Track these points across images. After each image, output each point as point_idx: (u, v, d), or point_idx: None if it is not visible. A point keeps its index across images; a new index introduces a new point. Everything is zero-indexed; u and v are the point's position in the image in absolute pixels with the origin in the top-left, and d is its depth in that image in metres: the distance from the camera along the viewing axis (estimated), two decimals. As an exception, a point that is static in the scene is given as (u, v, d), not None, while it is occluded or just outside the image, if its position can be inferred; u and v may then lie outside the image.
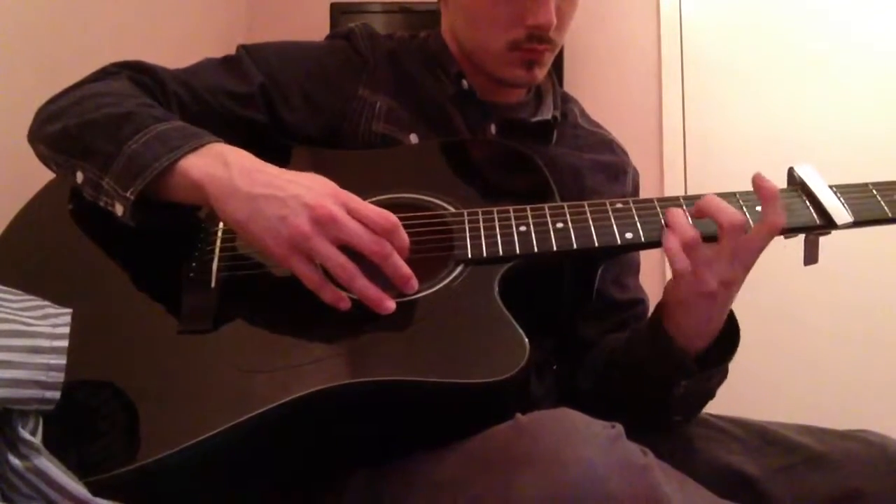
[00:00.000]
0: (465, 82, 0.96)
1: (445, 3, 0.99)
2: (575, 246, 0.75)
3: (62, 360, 0.57)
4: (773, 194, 0.73)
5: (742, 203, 0.77)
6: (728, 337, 0.80)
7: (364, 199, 0.71)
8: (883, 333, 2.25)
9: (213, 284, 0.74)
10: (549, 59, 0.94)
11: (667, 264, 2.50)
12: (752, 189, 0.76)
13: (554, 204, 0.79)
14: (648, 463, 0.54)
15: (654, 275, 2.32)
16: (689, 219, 0.75)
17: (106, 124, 0.76)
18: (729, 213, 0.73)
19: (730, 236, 0.73)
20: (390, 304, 0.69)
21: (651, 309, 1.02)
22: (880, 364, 2.24)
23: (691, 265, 0.73)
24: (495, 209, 0.78)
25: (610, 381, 0.89)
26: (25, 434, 0.54)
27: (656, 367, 0.81)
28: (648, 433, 0.84)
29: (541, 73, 0.94)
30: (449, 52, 0.98)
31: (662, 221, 0.76)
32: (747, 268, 0.75)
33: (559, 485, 0.51)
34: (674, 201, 0.79)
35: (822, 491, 0.75)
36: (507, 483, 0.53)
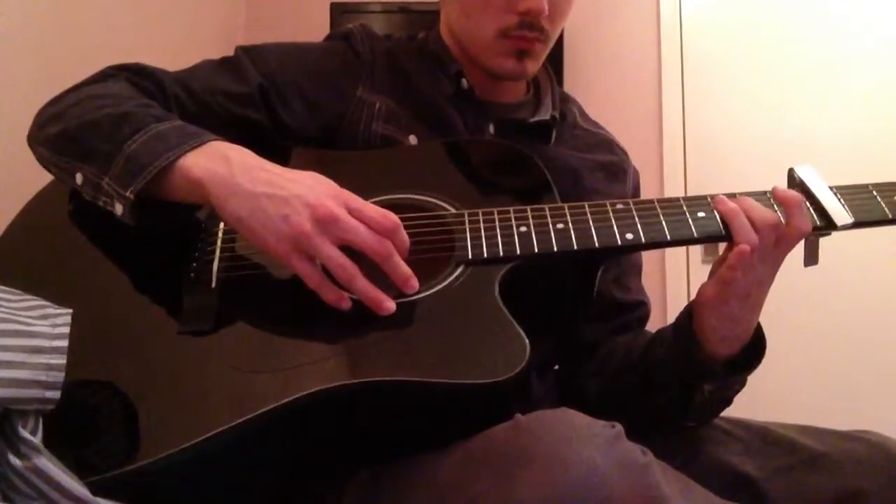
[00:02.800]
0: (464, 81, 0.95)
1: (444, 1, 0.99)
2: (575, 247, 0.75)
3: (62, 360, 0.57)
4: (797, 200, 0.75)
5: (772, 202, 0.78)
6: (754, 348, 0.80)
7: (365, 199, 0.71)
8: (883, 333, 2.25)
9: (213, 285, 0.74)
10: (542, 51, 0.94)
11: (667, 265, 2.50)
12: (763, 189, 0.78)
13: (554, 205, 0.79)
14: (648, 463, 0.54)
15: (654, 275, 2.33)
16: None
17: (105, 125, 0.75)
18: (761, 210, 0.75)
19: (764, 234, 0.74)
20: (390, 305, 0.69)
21: (652, 312, 1.02)
22: (880, 364, 2.24)
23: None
24: (495, 210, 0.78)
25: (624, 383, 0.89)
26: (25, 434, 0.54)
27: (681, 369, 0.81)
28: (649, 433, 0.84)
29: (532, 66, 0.94)
30: (448, 52, 0.98)
31: (714, 205, 0.77)
32: (775, 268, 0.76)
33: (559, 485, 0.51)
34: (674, 202, 0.79)
35: (823, 491, 0.75)
36: (507, 483, 0.53)
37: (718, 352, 0.79)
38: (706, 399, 0.82)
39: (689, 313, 0.81)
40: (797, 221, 0.75)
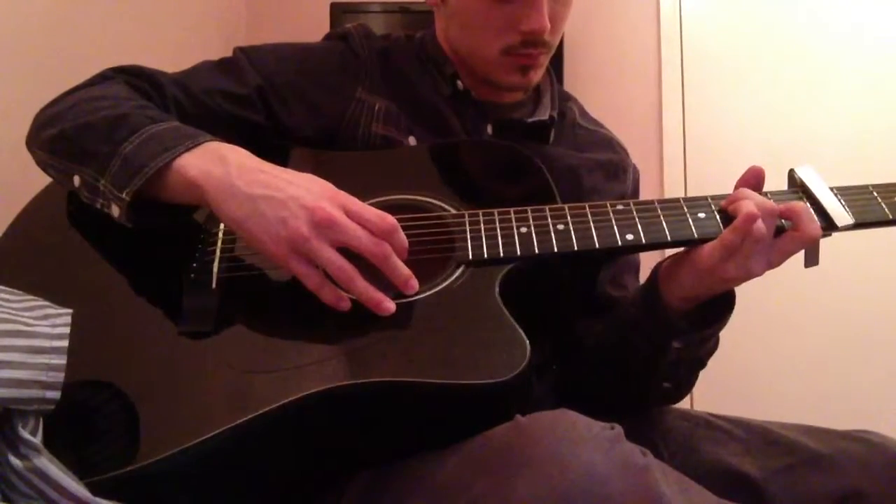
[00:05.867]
0: (459, 83, 0.95)
1: (439, 7, 0.99)
2: (576, 247, 0.75)
3: (62, 360, 0.57)
4: (803, 208, 0.75)
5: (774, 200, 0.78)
6: (720, 303, 0.80)
7: (363, 200, 0.71)
8: (883, 334, 2.25)
9: (213, 285, 0.74)
10: (545, 61, 0.95)
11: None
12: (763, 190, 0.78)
13: (555, 205, 0.79)
14: (648, 463, 0.54)
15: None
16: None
17: (102, 127, 0.75)
18: (760, 198, 0.75)
19: (768, 222, 0.73)
20: (390, 306, 0.69)
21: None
22: (880, 364, 2.24)
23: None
24: (496, 210, 0.78)
25: (603, 351, 0.90)
26: (25, 434, 0.54)
27: (648, 326, 0.81)
28: (648, 433, 0.84)
29: (536, 76, 0.94)
30: (444, 54, 0.98)
31: (715, 207, 0.78)
32: (771, 266, 0.76)
33: (559, 486, 0.51)
34: (674, 203, 0.79)
35: (823, 491, 0.75)
36: (506, 484, 0.53)
37: (684, 309, 0.79)
38: (676, 359, 0.82)
39: (659, 266, 0.82)
40: (807, 227, 0.74)
